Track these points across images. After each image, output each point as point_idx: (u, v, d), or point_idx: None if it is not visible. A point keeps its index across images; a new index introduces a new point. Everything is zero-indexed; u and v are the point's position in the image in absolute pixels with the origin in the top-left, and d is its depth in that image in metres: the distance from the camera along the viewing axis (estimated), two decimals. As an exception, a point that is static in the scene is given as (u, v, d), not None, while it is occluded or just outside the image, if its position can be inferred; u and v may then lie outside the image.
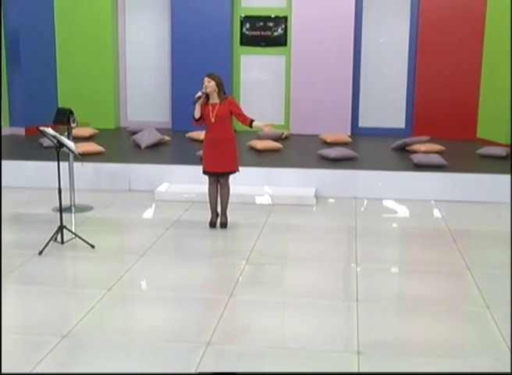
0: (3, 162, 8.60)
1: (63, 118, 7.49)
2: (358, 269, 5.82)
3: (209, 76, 6.71)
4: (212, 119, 6.72)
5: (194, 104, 6.71)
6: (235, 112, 6.78)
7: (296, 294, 5.30)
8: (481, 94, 10.85)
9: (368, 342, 4.42)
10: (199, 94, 6.69)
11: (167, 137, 10.29)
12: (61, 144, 6.18)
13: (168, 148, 10.03)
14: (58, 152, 6.30)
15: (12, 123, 11.08)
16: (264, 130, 6.91)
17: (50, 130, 6.17)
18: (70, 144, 6.10)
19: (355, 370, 4.04)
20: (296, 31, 11.12)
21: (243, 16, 11.40)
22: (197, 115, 6.77)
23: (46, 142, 9.82)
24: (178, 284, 5.50)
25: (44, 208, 7.68)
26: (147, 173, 8.66)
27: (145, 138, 9.90)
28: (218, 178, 6.96)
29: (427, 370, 4.11)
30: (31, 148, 9.79)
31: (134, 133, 10.65)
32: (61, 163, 6.39)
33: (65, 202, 7.19)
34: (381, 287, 5.60)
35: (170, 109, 11.69)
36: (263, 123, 6.81)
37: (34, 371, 3.98)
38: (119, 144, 10.39)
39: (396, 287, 5.64)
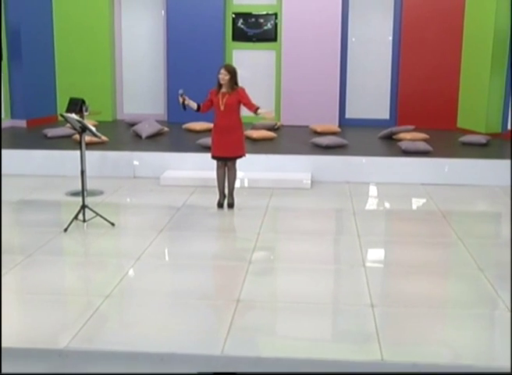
0: (8, 151, 8.94)
1: (76, 107, 7.91)
2: (361, 240, 6.37)
3: (226, 68, 7.28)
4: (222, 107, 7.25)
5: (184, 108, 7.29)
6: (243, 102, 7.29)
7: (310, 261, 5.82)
8: (461, 86, 11.46)
9: (379, 297, 4.98)
10: (181, 100, 7.20)
11: (165, 128, 10.73)
12: (83, 129, 6.63)
13: (167, 138, 10.47)
14: (81, 136, 6.76)
15: (12, 116, 11.43)
16: (266, 116, 7.41)
17: (74, 116, 6.62)
18: (92, 128, 6.55)
19: (371, 320, 4.58)
20: (285, 27, 11.62)
21: (234, 13, 11.88)
22: (194, 107, 7.36)
23: (50, 133, 10.24)
24: (200, 254, 5.97)
25: (56, 194, 8.09)
26: (151, 161, 9.10)
27: (145, 129, 10.32)
28: (226, 162, 7.47)
29: (434, 319, 4.68)
30: (35, 139, 10.16)
31: (132, 125, 11.05)
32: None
33: (76, 188, 7.61)
34: (384, 255, 6.21)
35: (165, 102, 12.11)
36: (265, 111, 7.37)
37: (87, 325, 4.46)
38: (120, 135, 10.77)
39: (398, 255, 6.18)
